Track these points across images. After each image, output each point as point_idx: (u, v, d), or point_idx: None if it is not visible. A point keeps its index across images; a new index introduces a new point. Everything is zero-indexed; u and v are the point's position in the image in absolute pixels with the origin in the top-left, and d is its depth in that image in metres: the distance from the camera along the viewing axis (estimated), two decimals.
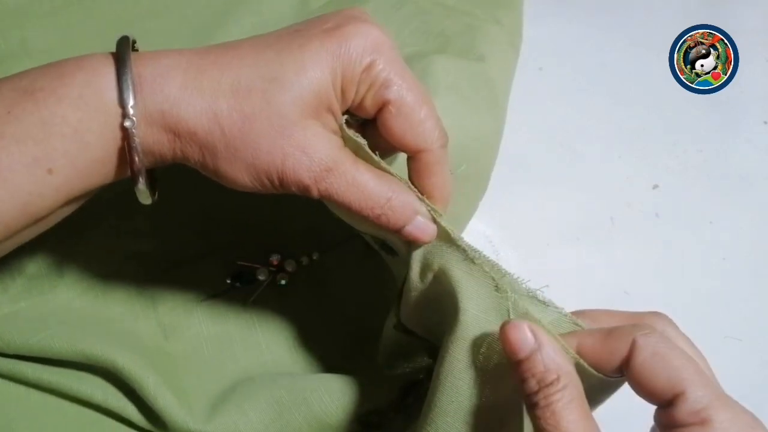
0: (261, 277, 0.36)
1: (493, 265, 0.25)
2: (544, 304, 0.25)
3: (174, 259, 0.35)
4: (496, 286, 0.25)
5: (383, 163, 0.26)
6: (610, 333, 0.23)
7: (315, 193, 0.25)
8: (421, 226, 0.26)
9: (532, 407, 0.22)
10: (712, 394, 0.21)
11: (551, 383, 0.22)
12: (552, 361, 0.22)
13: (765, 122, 0.48)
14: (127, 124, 0.23)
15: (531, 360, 0.23)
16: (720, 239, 0.44)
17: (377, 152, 0.26)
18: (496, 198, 0.36)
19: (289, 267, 0.36)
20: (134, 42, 0.26)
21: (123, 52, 0.24)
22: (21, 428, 0.32)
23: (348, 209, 0.25)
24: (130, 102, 0.23)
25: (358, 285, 0.37)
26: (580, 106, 0.47)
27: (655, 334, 0.23)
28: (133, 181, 0.24)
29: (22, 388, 0.33)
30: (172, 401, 0.31)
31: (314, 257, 0.36)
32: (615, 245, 0.43)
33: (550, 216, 0.43)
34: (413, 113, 0.25)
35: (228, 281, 0.35)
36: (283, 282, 0.36)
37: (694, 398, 0.21)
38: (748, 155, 0.46)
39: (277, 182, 0.25)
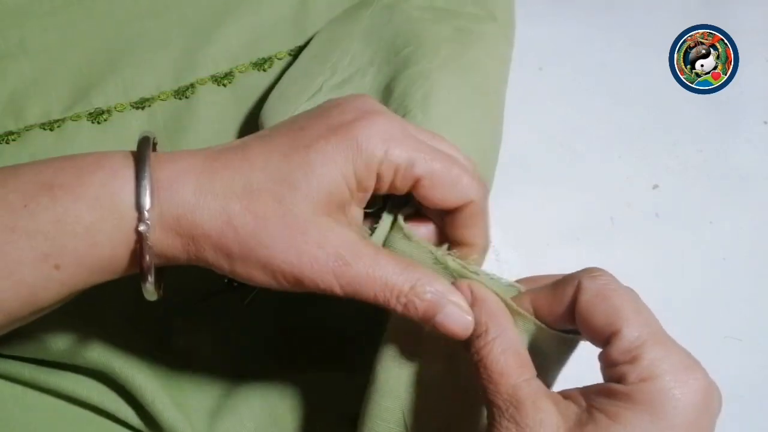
0: None
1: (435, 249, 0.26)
2: (490, 277, 0.26)
3: None
4: (435, 259, 0.26)
5: (426, 245, 0.26)
6: (558, 282, 0.24)
7: (338, 290, 0.24)
8: (452, 314, 0.25)
9: (469, 364, 0.24)
10: (647, 332, 0.22)
11: (480, 335, 0.23)
12: (482, 314, 0.24)
13: (765, 122, 0.48)
14: (141, 228, 0.23)
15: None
16: (720, 239, 0.44)
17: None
18: (496, 198, 0.36)
19: None
20: (155, 139, 0.26)
21: (143, 153, 0.24)
22: (17, 428, 0.32)
23: (373, 301, 0.25)
24: (147, 206, 0.23)
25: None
26: (580, 106, 0.47)
27: (602, 276, 0.23)
28: (142, 279, 0.25)
29: (18, 388, 0.33)
30: (170, 406, 0.31)
31: None
32: (615, 245, 0.43)
33: (550, 216, 0.43)
34: (446, 177, 0.25)
35: (225, 281, 0.35)
36: None
37: (629, 336, 0.22)
38: (748, 155, 0.46)
39: (292, 281, 0.24)
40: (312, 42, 0.41)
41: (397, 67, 0.36)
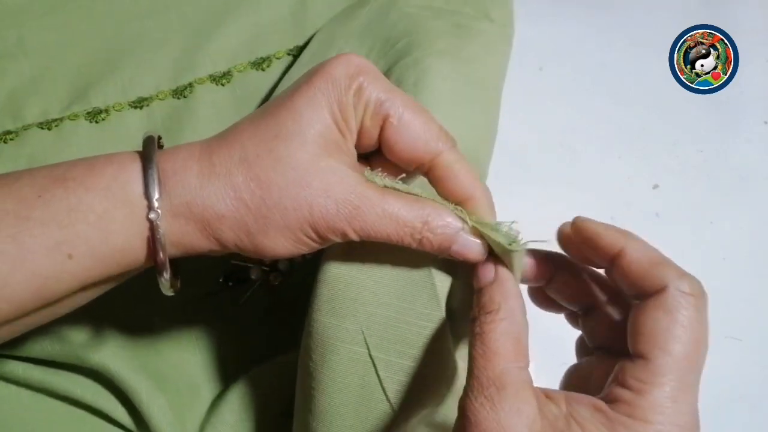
0: (254, 277, 0.35)
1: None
2: (492, 226, 0.26)
3: None
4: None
5: (413, 190, 0.26)
6: (657, 264, 0.24)
7: (353, 235, 0.25)
8: (467, 244, 0.25)
9: (470, 335, 0.24)
10: (673, 379, 0.22)
11: (489, 312, 0.23)
12: (499, 294, 0.24)
13: (765, 122, 0.48)
14: (152, 216, 0.24)
15: (482, 290, 0.25)
16: (720, 239, 0.44)
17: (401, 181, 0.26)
18: (496, 198, 0.36)
19: (282, 266, 0.36)
20: (160, 138, 0.27)
21: (149, 150, 0.25)
22: (12, 427, 0.32)
23: (388, 241, 0.25)
24: (155, 195, 0.24)
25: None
26: (580, 106, 0.47)
27: (693, 295, 0.23)
28: (158, 272, 0.25)
29: (12, 387, 0.33)
30: (165, 409, 0.31)
31: (307, 257, 0.36)
32: None
33: (550, 216, 0.43)
34: (415, 120, 0.25)
35: (221, 280, 0.35)
36: (276, 281, 0.36)
37: (652, 370, 0.22)
38: (748, 155, 0.46)
39: (314, 235, 0.25)
40: (311, 42, 0.41)
41: (392, 59, 0.36)
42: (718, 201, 0.45)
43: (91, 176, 0.24)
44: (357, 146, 0.26)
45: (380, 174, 0.26)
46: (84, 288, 0.25)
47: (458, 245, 0.25)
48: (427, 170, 0.26)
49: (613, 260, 0.24)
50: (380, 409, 0.27)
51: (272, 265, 0.36)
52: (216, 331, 0.35)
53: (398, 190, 0.25)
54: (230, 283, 0.36)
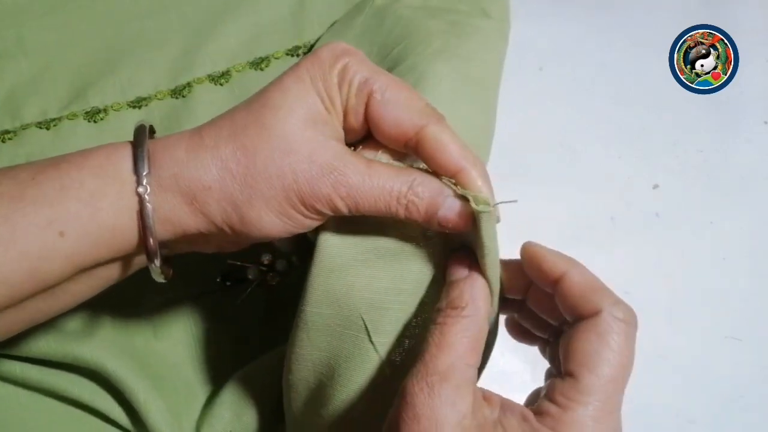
0: (251, 277, 0.35)
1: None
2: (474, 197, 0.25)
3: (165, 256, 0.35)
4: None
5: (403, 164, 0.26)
6: (596, 290, 0.24)
7: (340, 203, 0.25)
8: (454, 207, 0.25)
9: (432, 321, 0.24)
10: (598, 400, 0.23)
11: (456, 308, 0.24)
12: (469, 293, 0.25)
13: (765, 122, 0.48)
14: (140, 189, 0.24)
15: (454, 284, 0.25)
16: (720, 239, 0.44)
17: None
18: (496, 198, 0.36)
19: (280, 266, 0.36)
20: (152, 129, 0.27)
21: (140, 134, 0.25)
22: (9, 427, 0.32)
23: (376, 210, 0.25)
24: (144, 170, 0.24)
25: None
26: (580, 106, 0.47)
27: (624, 321, 0.23)
28: (148, 257, 0.25)
29: (10, 388, 0.33)
30: (162, 409, 0.31)
31: (305, 257, 0.36)
32: (615, 245, 0.43)
33: (550, 216, 0.43)
34: (399, 95, 0.25)
35: (218, 279, 0.35)
36: (273, 281, 0.36)
37: (578, 388, 0.23)
38: (748, 155, 0.46)
39: (300, 206, 0.25)
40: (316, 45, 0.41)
41: (388, 66, 0.36)
42: (718, 201, 0.45)
43: (84, 158, 0.25)
44: (344, 128, 0.26)
45: (383, 154, 0.26)
46: (79, 273, 0.25)
47: (445, 209, 0.25)
48: (415, 145, 0.25)
49: (555, 283, 0.25)
50: (389, 390, 0.27)
51: (270, 266, 0.36)
52: (213, 331, 0.35)
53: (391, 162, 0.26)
54: (228, 283, 0.35)
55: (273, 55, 0.42)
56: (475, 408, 0.23)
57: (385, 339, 0.27)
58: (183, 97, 0.40)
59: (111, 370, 0.31)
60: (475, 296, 0.25)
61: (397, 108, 0.25)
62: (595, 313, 0.23)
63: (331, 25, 0.43)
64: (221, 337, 0.35)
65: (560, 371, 0.24)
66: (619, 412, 0.23)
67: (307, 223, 0.25)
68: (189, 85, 0.40)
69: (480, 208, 0.24)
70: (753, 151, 0.46)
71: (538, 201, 0.43)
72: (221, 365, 0.35)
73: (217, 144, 0.24)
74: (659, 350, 0.40)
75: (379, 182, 0.25)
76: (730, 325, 0.41)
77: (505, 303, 0.28)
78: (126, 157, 0.25)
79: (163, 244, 0.25)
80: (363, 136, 0.27)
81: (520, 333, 0.30)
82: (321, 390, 0.28)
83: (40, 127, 0.38)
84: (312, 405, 0.28)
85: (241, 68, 0.41)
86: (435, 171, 0.26)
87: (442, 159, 0.25)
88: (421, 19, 0.38)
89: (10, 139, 0.38)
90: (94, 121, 0.38)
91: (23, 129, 0.38)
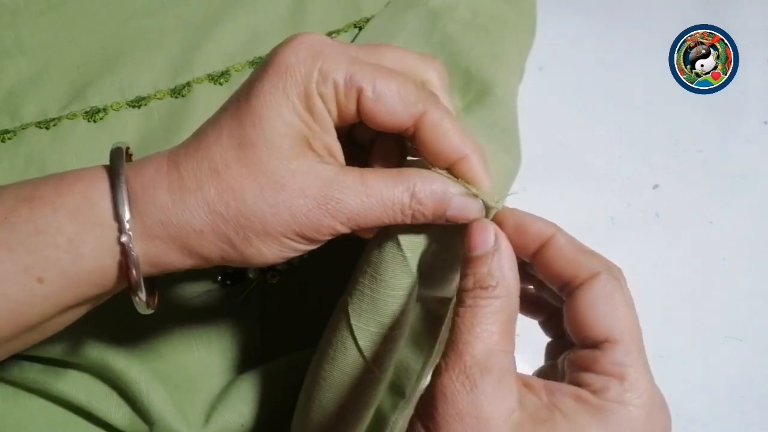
0: (251, 276, 0.35)
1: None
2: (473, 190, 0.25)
3: None
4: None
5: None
6: (584, 251, 0.23)
7: (343, 228, 0.24)
8: (461, 205, 0.24)
9: (459, 304, 0.22)
10: (642, 360, 0.22)
11: (486, 288, 0.22)
12: (499, 269, 0.22)
13: (765, 122, 0.48)
14: (123, 239, 0.23)
15: (480, 259, 0.23)
16: (720, 239, 0.44)
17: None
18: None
19: (280, 266, 0.36)
20: (128, 150, 0.25)
21: (116, 165, 0.24)
22: (10, 428, 0.32)
23: (381, 223, 0.24)
24: (126, 216, 0.23)
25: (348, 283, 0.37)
26: (580, 106, 0.47)
27: (619, 281, 0.23)
28: (132, 292, 0.24)
29: (10, 389, 0.33)
30: (165, 398, 0.31)
31: (305, 256, 0.36)
32: (615, 245, 0.43)
33: (549, 216, 0.43)
34: (389, 86, 0.23)
35: (218, 279, 0.35)
36: (273, 281, 0.36)
37: (624, 354, 0.21)
38: (748, 155, 0.46)
39: (299, 239, 0.24)
40: (357, 38, 0.42)
41: None
42: (718, 201, 0.45)
43: (58, 195, 0.23)
44: (340, 124, 0.25)
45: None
46: (61, 312, 0.24)
47: (453, 209, 0.24)
48: (413, 134, 0.24)
49: (540, 248, 0.23)
50: (367, 377, 0.27)
51: (270, 265, 0.36)
52: (214, 329, 0.35)
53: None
54: (228, 282, 0.35)
55: None
56: (522, 398, 0.21)
57: (364, 325, 0.27)
58: (183, 96, 0.40)
59: (111, 363, 0.31)
60: (506, 272, 0.22)
61: (390, 101, 0.23)
62: (593, 276, 0.22)
63: (379, 14, 0.43)
64: (222, 336, 0.35)
65: (578, 342, 0.23)
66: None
67: (307, 248, 0.25)
68: (188, 84, 0.40)
69: (490, 203, 0.24)
70: (753, 151, 0.46)
71: (538, 201, 0.43)
72: (222, 363, 0.35)
73: (200, 185, 0.23)
74: (659, 350, 0.40)
75: (378, 198, 0.23)
76: (730, 325, 0.41)
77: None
78: (104, 196, 0.23)
79: (150, 276, 0.24)
80: (355, 121, 0.25)
81: (525, 306, 0.27)
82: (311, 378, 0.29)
83: (40, 127, 0.38)
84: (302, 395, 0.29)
85: (240, 68, 0.41)
86: (434, 160, 0.25)
87: (442, 147, 0.24)
88: (466, 46, 0.38)
89: (9, 138, 0.38)
90: (94, 121, 0.38)
91: (23, 129, 0.38)
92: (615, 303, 0.22)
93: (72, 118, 0.38)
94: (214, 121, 0.24)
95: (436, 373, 0.21)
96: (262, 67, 0.24)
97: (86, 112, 0.39)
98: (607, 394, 0.21)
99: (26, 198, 0.23)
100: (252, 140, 0.23)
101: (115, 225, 0.23)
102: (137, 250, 0.23)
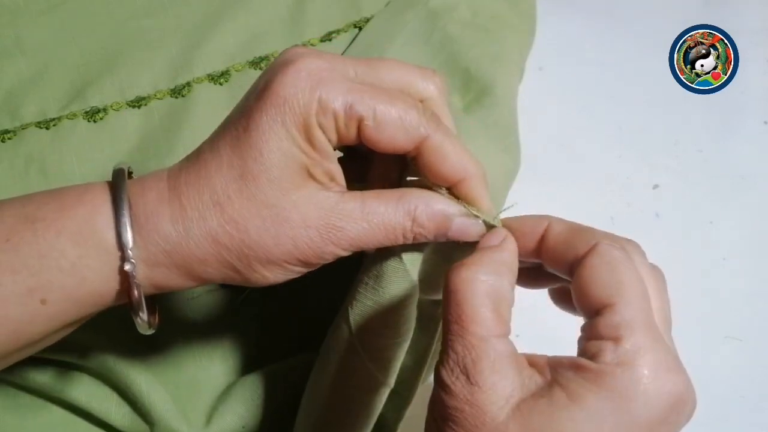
0: None
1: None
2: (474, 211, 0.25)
3: None
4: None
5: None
6: (579, 229, 0.23)
7: (345, 253, 0.24)
8: (462, 227, 0.25)
9: (444, 291, 0.22)
10: (641, 318, 0.21)
11: (470, 265, 0.22)
12: (488, 255, 0.22)
13: (765, 122, 0.48)
14: (127, 267, 0.23)
15: (482, 250, 0.23)
16: (720, 239, 0.44)
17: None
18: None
19: None
20: (129, 169, 0.25)
21: (120, 189, 0.24)
22: (8, 428, 0.32)
23: (382, 246, 0.25)
24: (129, 245, 0.23)
25: (349, 284, 0.37)
26: (580, 106, 0.47)
27: (619, 249, 0.22)
28: (133, 313, 0.24)
29: (10, 390, 0.33)
30: (165, 398, 0.31)
31: None
32: None
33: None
34: (390, 113, 0.23)
35: None
36: None
37: (622, 314, 0.20)
38: (748, 155, 0.46)
39: (302, 266, 0.24)
40: (358, 38, 0.42)
41: None
42: (718, 201, 0.45)
43: (61, 218, 0.23)
44: (339, 146, 0.25)
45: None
46: (63, 328, 0.24)
47: (453, 231, 0.25)
48: (415, 156, 0.24)
49: (541, 241, 0.23)
50: (372, 384, 0.27)
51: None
52: (214, 330, 0.35)
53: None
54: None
55: (272, 55, 0.42)
56: (523, 380, 0.21)
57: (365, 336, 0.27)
58: (183, 96, 0.40)
59: (112, 365, 0.31)
60: (495, 258, 0.22)
61: (391, 128, 0.23)
62: (591, 248, 0.22)
63: (379, 14, 0.43)
64: (221, 336, 0.35)
65: (584, 317, 0.22)
66: (669, 330, 0.22)
67: (312, 269, 0.25)
68: (188, 84, 0.40)
69: (490, 221, 0.25)
70: (753, 151, 0.46)
71: (538, 201, 0.43)
72: (222, 364, 0.35)
73: (202, 216, 0.23)
74: None
75: (379, 223, 0.24)
76: (730, 325, 0.41)
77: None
78: (107, 221, 0.23)
79: (153, 296, 0.25)
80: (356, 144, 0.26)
81: (527, 278, 0.26)
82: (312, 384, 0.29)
83: (40, 127, 0.38)
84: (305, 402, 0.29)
85: (240, 68, 0.41)
86: (435, 181, 0.25)
87: (443, 170, 0.24)
88: (466, 45, 0.38)
89: (9, 138, 0.38)
90: (94, 121, 0.38)
91: (23, 129, 0.38)
92: (611, 269, 0.21)
93: (72, 118, 0.38)
94: (213, 148, 0.24)
95: (436, 370, 0.21)
96: (260, 94, 0.23)
97: (86, 112, 0.39)
98: (604, 357, 0.20)
99: (29, 219, 0.23)
100: (253, 173, 0.23)
101: (118, 253, 0.23)
102: (140, 276, 0.23)
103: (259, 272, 0.24)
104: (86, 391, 0.32)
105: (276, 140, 0.23)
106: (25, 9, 0.40)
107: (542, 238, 0.24)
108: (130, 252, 0.23)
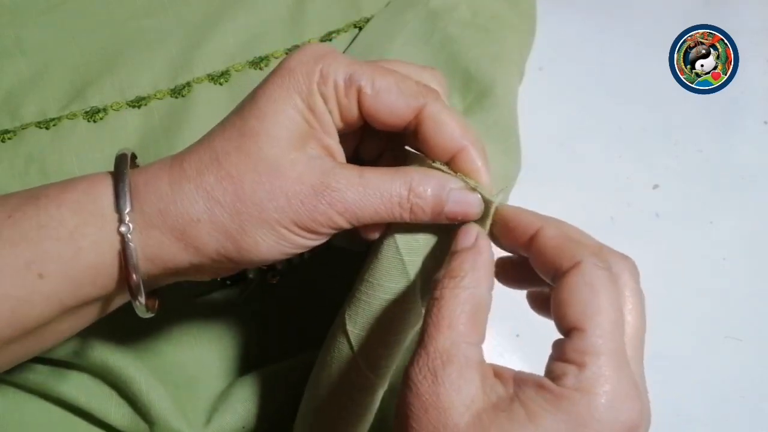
0: (251, 276, 0.35)
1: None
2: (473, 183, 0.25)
3: None
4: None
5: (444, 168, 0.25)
6: (571, 239, 0.23)
7: (340, 219, 0.24)
8: (459, 199, 0.24)
9: (430, 297, 0.23)
10: (608, 346, 0.21)
11: (454, 277, 0.22)
12: (469, 261, 0.23)
13: (765, 122, 0.48)
14: (122, 229, 0.23)
15: (454, 254, 0.23)
16: (720, 239, 0.44)
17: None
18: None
19: (280, 266, 0.36)
20: (134, 155, 0.26)
21: (121, 165, 0.24)
22: (8, 429, 0.32)
23: (379, 218, 0.24)
24: (126, 208, 0.23)
25: (349, 284, 0.37)
26: (580, 106, 0.47)
27: (605, 269, 0.22)
28: (131, 295, 0.24)
29: (10, 390, 0.33)
30: (165, 397, 0.31)
31: (305, 256, 0.36)
32: (615, 245, 0.43)
33: (549, 215, 0.43)
34: (388, 81, 0.24)
35: (218, 279, 0.35)
36: (273, 280, 0.36)
37: (589, 340, 0.21)
38: (748, 155, 0.46)
39: (296, 229, 0.24)
40: (358, 38, 0.42)
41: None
42: (718, 201, 0.45)
43: (63, 192, 0.24)
44: (343, 127, 0.25)
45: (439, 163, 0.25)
46: (62, 313, 0.24)
47: (451, 203, 0.24)
48: (415, 128, 0.25)
49: (531, 240, 0.23)
50: (362, 382, 0.27)
51: (270, 265, 0.36)
52: (214, 329, 0.35)
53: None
54: (228, 282, 0.35)
55: (272, 54, 0.42)
56: (485, 388, 0.21)
57: (358, 331, 0.27)
58: (183, 96, 0.40)
59: (111, 364, 0.31)
60: (478, 265, 0.23)
61: (390, 95, 0.24)
62: (576, 264, 0.22)
63: (379, 14, 0.43)
64: (221, 336, 0.35)
65: (558, 331, 0.22)
66: (637, 364, 0.22)
67: (306, 243, 0.25)
68: (188, 84, 0.40)
69: (488, 197, 0.24)
70: (753, 151, 0.46)
71: (538, 201, 0.43)
72: (222, 363, 0.35)
73: (200, 173, 0.24)
74: (659, 350, 0.40)
75: (376, 190, 0.24)
76: (730, 325, 0.41)
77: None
78: (107, 191, 0.24)
79: (151, 279, 0.24)
80: (362, 126, 0.26)
81: (512, 278, 0.27)
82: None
83: (40, 127, 0.38)
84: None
85: (240, 68, 0.41)
86: (435, 153, 0.25)
87: (442, 139, 0.24)
88: (466, 46, 0.38)
89: (9, 138, 0.38)
90: (94, 121, 0.38)
91: (23, 129, 0.38)
92: (589, 291, 0.21)
93: (72, 118, 0.38)
94: (221, 122, 0.25)
95: (406, 370, 0.22)
96: (270, 73, 0.25)
97: (86, 112, 0.39)
98: (566, 381, 0.20)
99: (33, 196, 0.24)
100: (254, 131, 0.24)
101: (115, 216, 0.23)
102: (136, 242, 0.23)
103: (251, 236, 0.24)
104: (86, 390, 0.32)
105: (280, 102, 0.24)
106: (25, 9, 0.40)
107: (534, 238, 0.24)
108: (126, 216, 0.23)
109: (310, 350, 0.33)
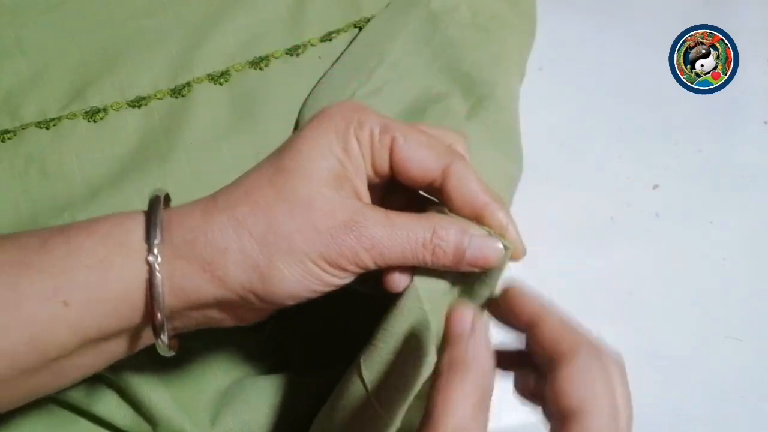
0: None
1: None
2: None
3: None
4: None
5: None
6: (568, 328, 0.23)
7: (367, 257, 0.24)
8: (481, 244, 0.25)
9: (436, 378, 0.22)
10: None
11: (461, 366, 0.22)
12: (474, 349, 0.22)
13: (765, 122, 0.48)
14: (150, 258, 0.23)
15: (457, 340, 0.23)
16: (720, 239, 0.44)
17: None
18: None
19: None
20: (167, 196, 0.26)
21: (155, 204, 0.25)
22: (8, 429, 0.32)
23: (404, 259, 0.25)
24: (156, 240, 0.24)
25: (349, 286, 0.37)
26: (580, 106, 0.47)
27: (599, 361, 0.22)
28: (154, 331, 0.24)
29: None
30: (167, 398, 0.31)
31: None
32: (615, 245, 0.43)
33: (550, 216, 0.43)
34: (420, 137, 0.26)
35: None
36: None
37: (586, 428, 0.21)
38: (748, 155, 0.46)
39: (324, 264, 0.24)
40: (358, 38, 0.42)
41: (428, 94, 0.37)
42: (718, 201, 0.45)
43: (93, 224, 0.24)
44: (372, 176, 0.26)
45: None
46: (84, 345, 0.24)
47: (472, 249, 0.25)
48: (441, 184, 0.26)
49: (531, 326, 0.24)
50: (370, 414, 0.27)
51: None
52: (215, 330, 0.35)
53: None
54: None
55: (272, 55, 0.42)
56: None
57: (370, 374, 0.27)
58: (183, 96, 0.40)
59: (111, 363, 0.31)
60: (479, 352, 0.23)
61: (422, 148, 0.25)
62: (572, 356, 0.22)
63: (379, 15, 0.43)
64: (223, 336, 0.35)
65: (552, 414, 0.23)
66: None
67: (331, 280, 0.25)
68: (188, 84, 0.40)
69: (507, 243, 0.25)
70: (753, 151, 0.46)
71: (538, 201, 0.43)
72: (224, 364, 0.35)
73: (232, 205, 0.24)
74: (659, 350, 0.40)
75: (402, 230, 0.24)
76: (730, 325, 0.41)
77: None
78: (138, 225, 0.24)
79: (174, 314, 0.25)
80: (387, 182, 0.27)
81: (529, 393, 0.27)
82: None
83: (40, 127, 0.38)
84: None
85: (240, 68, 0.41)
86: (460, 209, 0.26)
87: (467, 195, 0.25)
88: (467, 48, 0.39)
89: (9, 138, 0.38)
90: (94, 121, 0.38)
91: (23, 129, 0.38)
92: (589, 379, 0.22)
93: (72, 118, 0.38)
94: (258, 163, 0.26)
95: None
96: (307, 123, 0.26)
97: (86, 112, 0.39)
98: None
99: (64, 229, 0.24)
100: (288, 168, 0.24)
101: (144, 247, 0.24)
102: (163, 273, 0.23)
103: (278, 268, 0.24)
104: (87, 391, 0.32)
105: (316, 142, 0.25)
106: (25, 9, 0.40)
107: (534, 323, 0.24)
108: (156, 247, 0.23)
109: (314, 366, 0.33)
